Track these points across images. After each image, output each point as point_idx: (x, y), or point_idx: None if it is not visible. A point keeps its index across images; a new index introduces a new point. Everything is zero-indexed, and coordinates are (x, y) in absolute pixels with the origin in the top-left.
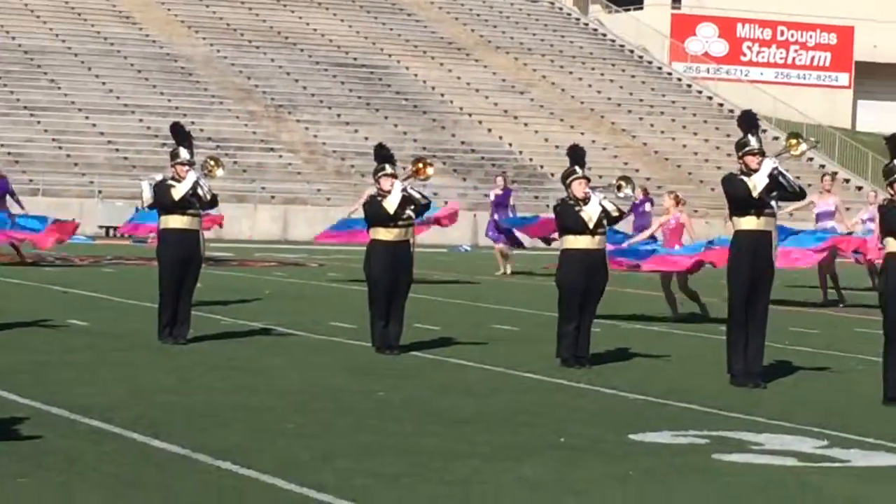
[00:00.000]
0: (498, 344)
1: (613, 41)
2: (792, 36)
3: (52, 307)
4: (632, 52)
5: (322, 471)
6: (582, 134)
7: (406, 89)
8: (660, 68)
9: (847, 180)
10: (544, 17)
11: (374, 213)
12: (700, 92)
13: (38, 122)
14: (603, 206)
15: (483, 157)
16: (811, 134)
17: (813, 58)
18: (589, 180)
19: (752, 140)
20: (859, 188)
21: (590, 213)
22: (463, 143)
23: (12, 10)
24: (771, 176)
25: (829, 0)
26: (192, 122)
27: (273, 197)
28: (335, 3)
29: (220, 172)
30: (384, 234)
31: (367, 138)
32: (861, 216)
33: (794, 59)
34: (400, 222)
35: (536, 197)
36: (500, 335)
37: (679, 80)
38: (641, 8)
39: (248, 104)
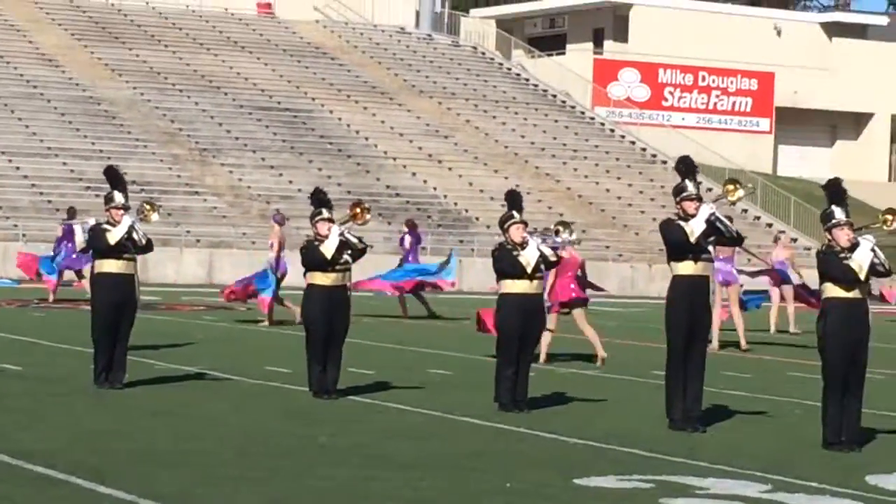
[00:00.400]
0: (433, 388)
1: (536, 86)
2: (713, 81)
3: None
4: (555, 96)
5: None
6: (506, 178)
7: (330, 133)
8: (583, 113)
9: (770, 224)
10: (467, 61)
11: (312, 258)
12: (623, 136)
13: None
14: (541, 251)
15: (408, 202)
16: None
17: (734, 103)
18: (526, 225)
19: (690, 185)
20: (782, 232)
21: (528, 258)
22: (388, 187)
23: None
24: (708, 221)
25: (751, 46)
26: (117, 166)
27: (198, 240)
28: (258, 47)
29: (155, 217)
30: (321, 278)
31: (291, 182)
32: (776, 258)
33: (715, 104)
34: (337, 267)
35: (461, 241)
36: (435, 379)
37: (602, 124)
38: (564, 53)
39: (173, 147)
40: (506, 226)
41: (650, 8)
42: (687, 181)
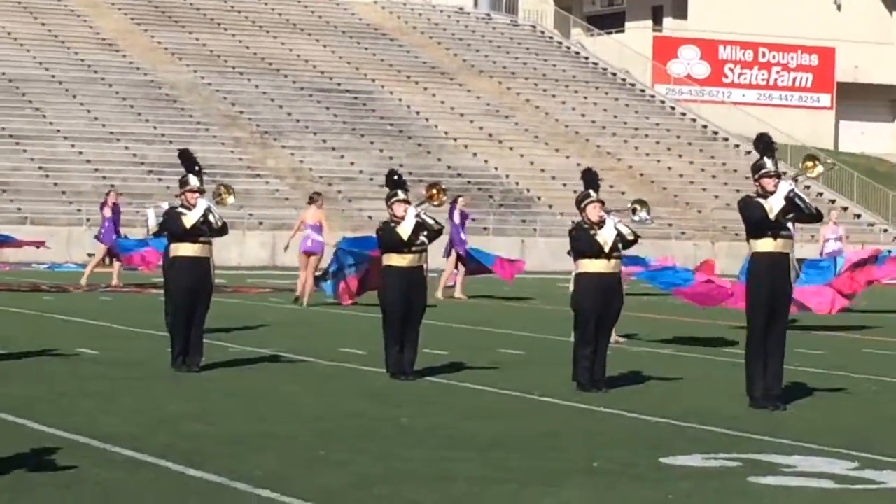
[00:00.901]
0: (508, 368)
1: (596, 64)
2: (773, 57)
3: (58, 336)
4: (614, 74)
5: (363, 499)
6: (567, 157)
7: (391, 114)
8: (643, 91)
9: (833, 201)
10: (527, 40)
11: (388, 239)
12: (683, 114)
13: (24, 151)
14: (618, 230)
15: (469, 182)
16: (796, 154)
17: (795, 79)
18: (603, 203)
19: (769, 163)
20: (844, 208)
21: (605, 237)
22: (449, 167)
23: None
24: (787, 198)
25: (811, 21)
26: (179, 149)
27: (261, 223)
28: (318, 29)
29: (230, 200)
30: (398, 259)
31: (352, 163)
32: (825, 235)
33: (776, 80)
34: (414, 248)
35: (524, 220)
36: (509, 359)
37: (662, 102)
38: (623, 31)
39: (234, 131)
40: (583, 205)
41: None
42: (766, 158)
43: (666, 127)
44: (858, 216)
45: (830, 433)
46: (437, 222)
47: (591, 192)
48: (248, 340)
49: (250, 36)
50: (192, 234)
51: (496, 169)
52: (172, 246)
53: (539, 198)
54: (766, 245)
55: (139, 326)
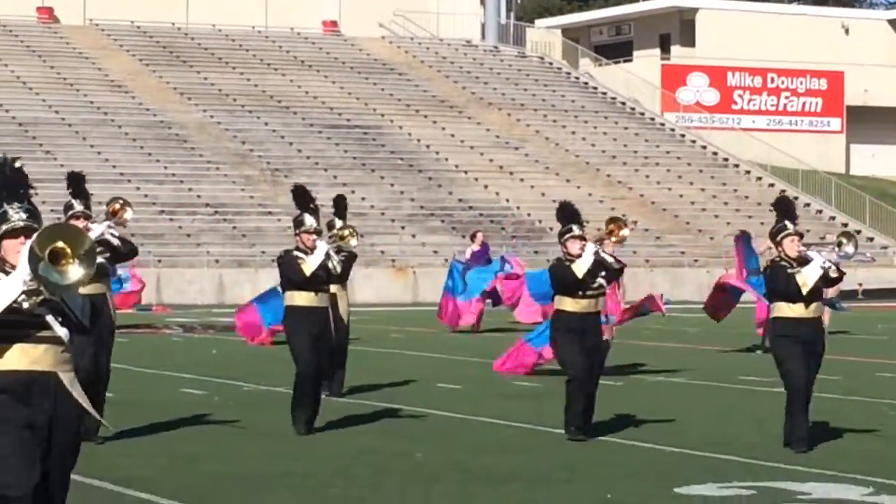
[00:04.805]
0: (521, 400)
1: (605, 94)
2: (783, 83)
3: None
4: (623, 104)
5: None
6: (578, 187)
7: (400, 148)
8: (652, 119)
9: (845, 224)
10: (535, 72)
11: (561, 279)
12: (693, 141)
13: (37, 194)
14: (823, 269)
15: (481, 214)
16: (807, 179)
17: (804, 104)
18: (802, 236)
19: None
20: (858, 231)
21: (805, 277)
22: (460, 200)
23: (5, 83)
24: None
25: (819, 46)
26: (189, 189)
27: (273, 261)
28: (326, 65)
29: (354, 242)
30: (571, 304)
31: (363, 198)
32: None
33: (785, 105)
34: (589, 291)
35: (536, 252)
36: (522, 391)
37: (672, 130)
38: (631, 60)
39: (244, 169)
40: (779, 238)
41: (716, 11)
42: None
43: (676, 155)
44: (871, 239)
45: (845, 459)
46: (617, 261)
47: (788, 223)
48: (261, 379)
49: (258, 74)
50: (312, 283)
51: (507, 201)
52: (287, 294)
53: (551, 228)
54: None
55: (153, 368)
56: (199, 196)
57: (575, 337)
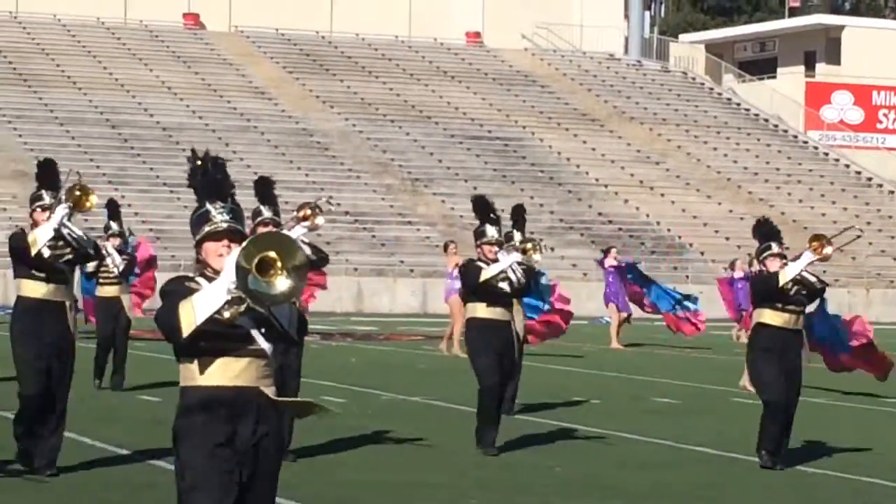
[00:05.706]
0: (662, 416)
1: (748, 110)
2: None
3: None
4: (766, 120)
5: None
6: (719, 204)
7: (541, 161)
8: (795, 137)
9: None
10: (677, 87)
11: (763, 288)
12: (837, 160)
13: (178, 199)
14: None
15: (620, 228)
16: None
17: None
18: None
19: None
20: None
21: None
22: (600, 214)
23: (150, 89)
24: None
25: None
26: (330, 197)
27: (412, 270)
28: (468, 76)
29: (537, 257)
30: (771, 317)
31: (503, 210)
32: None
33: None
34: (790, 306)
35: (675, 268)
36: (662, 407)
37: (815, 148)
38: (775, 76)
39: (385, 178)
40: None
41: (862, 29)
42: (771, 242)
43: (819, 173)
44: None
45: None
46: (820, 280)
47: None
48: (401, 388)
49: (402, 84)
50: (488, 293)
51: (647, 216)
52: (470, 306)
53: (691, 245)
54: None
55: None
56: (339, 204)
57: (773, 356)
